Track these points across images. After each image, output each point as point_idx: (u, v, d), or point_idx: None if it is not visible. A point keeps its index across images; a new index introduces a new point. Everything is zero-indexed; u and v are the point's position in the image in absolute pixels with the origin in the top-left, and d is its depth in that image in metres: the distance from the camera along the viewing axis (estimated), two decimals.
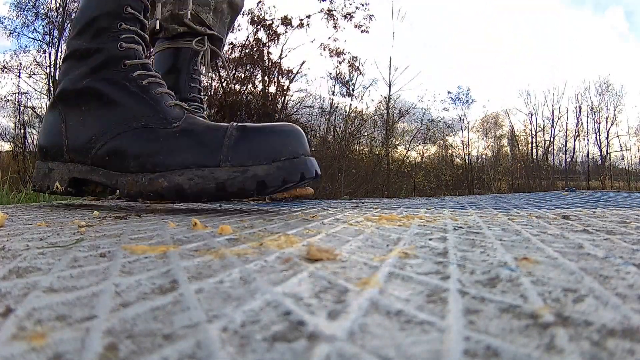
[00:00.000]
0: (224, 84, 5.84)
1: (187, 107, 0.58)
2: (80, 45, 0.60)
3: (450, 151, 8.35)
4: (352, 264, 0.21)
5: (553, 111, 7.95)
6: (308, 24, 5.22)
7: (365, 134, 6.71)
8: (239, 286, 0.17)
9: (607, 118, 7.81)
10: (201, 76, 0.96)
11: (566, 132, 7.95)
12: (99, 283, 0.18)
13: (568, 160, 8.01)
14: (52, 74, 6.00)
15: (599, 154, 7.87)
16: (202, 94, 0.98)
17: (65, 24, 5.95)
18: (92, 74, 0.59)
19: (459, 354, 0.11)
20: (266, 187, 0.51)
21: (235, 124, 0.54)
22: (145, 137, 0.55)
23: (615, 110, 7.78)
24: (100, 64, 0.58)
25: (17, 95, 6.06)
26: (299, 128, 0.56)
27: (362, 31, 5.77)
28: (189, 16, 0.82)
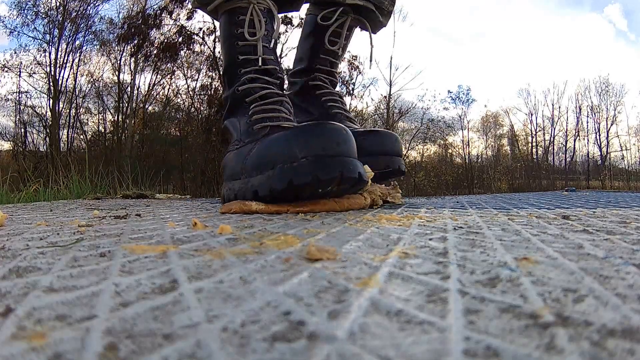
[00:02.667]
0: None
1: (272, 124, 0.61)
2: (224, 95, 0.74)
3: (450, 150, 8.36)
4: (352, 264, 0.21)
5: (553, 111, 7.95)
6: None
7: None
8: (239, 286, 0.17)
9: (607, 118, 7.81)
10: (340, 49, 0.89)
11: (566, 132, 7.95)
12: (98, 283, 0.18)
13: (568, 160, 8.02)
14: (52, 73, 6.00)
15: (599, 153, 7.87)
16: (335, 67, 0.92)
17: (66, 23, 5.95)
18: (227, 118, 0.71)
19: (459, 354, 0.11)
20: (258, 195, 0.53)
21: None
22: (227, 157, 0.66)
23: (615, 110, 7.78)
24: (229, 109, 0.70)
25: (17, 94, 6.06)
26: (313, 126, 0.54)
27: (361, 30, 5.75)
28: None
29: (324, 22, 0.85)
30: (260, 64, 0.67)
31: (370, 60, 0.92)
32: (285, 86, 0.83)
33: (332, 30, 0.85)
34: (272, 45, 0.71)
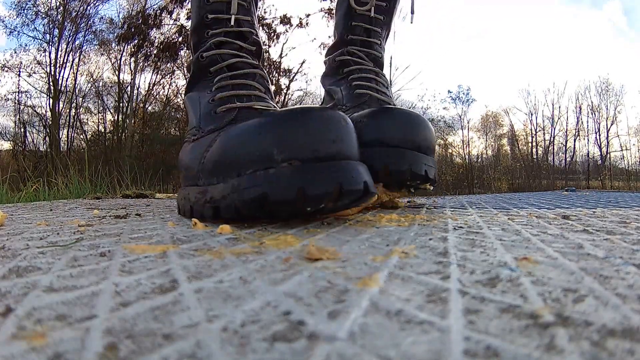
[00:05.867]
0: None
1: (240, 105, 0.46)
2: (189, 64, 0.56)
3: (450, 150, 8.36)
4: (352, 264, 0.21)
5: (553, 110, 7.95)
6: (307, 23, 5.23)
7: None
8: (239, 286, 0.17)
9: (607, 118, 7.81)
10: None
11: (566, 132, 7.96)
12: (98, 282, 0.18)
13: (568, 159, 8.02)
14: (52, 73, 6.00)
15: (599, 153, 7.88)
16: (376, 36, 0.70)
17: (66, 23, 5.95)
18: (188, 91, 0.54)
19: (459, 354, 0.11)
20: (220, 214, 0.38)
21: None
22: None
23: (615, 110, 7.79)
24: (191, 80, 0.54)
25: (17, 94, 6.06)
26: (297, 113, 0.37)
27: None
28: None
29: None
30: (232, 23, 0.52)
31: (412, 14, 0.72)
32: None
33: None
34: (250, 6, 0.55)
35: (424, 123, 0.54)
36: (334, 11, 0.78)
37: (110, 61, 6.39)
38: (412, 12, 0.72)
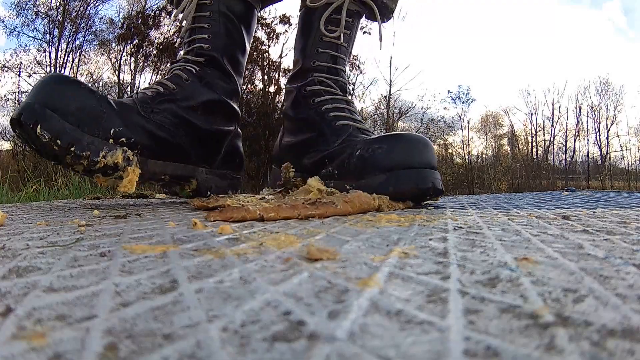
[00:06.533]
0: None
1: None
2: None
3: (450, 150, 8.36)
4: (352, 264, 0.21)
5: (553, 110, 7.95)
6: None
7: None
8: (239, 286, 0.17)
9: (607, 118, 7.81)
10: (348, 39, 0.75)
11: (566, 132, 7.96)
12: (98, 282, 0.18)
13: (568, 160, 8.01)
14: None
15: (599, 153, 7.87)
16: (341, 63, 0.74)
17: (66, 23, 5.95)
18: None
19: (459, 354, 0.11)
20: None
21: None
22: None
23: (615, 110, 7.78)
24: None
25: (17, 94, 6.05)
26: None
27: (364, 32, 5.76)
28: None
29: (315, 4, 0.72)
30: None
31: (380, 48, 0.78)
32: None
33: (327, 16, 0.71)
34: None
35: (430, 145, 0.63)
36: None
37: (110, 61, 6.39)
38: (380, 40, 0.75)
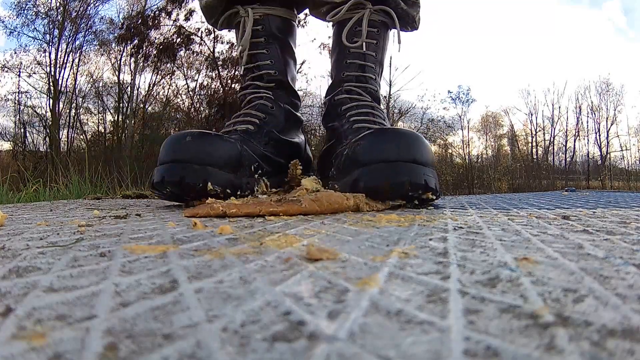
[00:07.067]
0: (223, 84, 5.84)
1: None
2: None
3: (450, 150, 8.36)
4: (352, 264, 0.21)
5: (553, 111, 7.95)
6: (307, 23, 5.21)
7: None
8: (239, 286, 0.17)
9: (607, 118, 7.81)
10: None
11: (566, 132, 7.95)
12: (98, 283, 0.18)
13: (568, 160, 8.01)
14: (52, 73, 6.00)
15: (599, 153, 7.87)
16: (371, 71, 0.77)
17: (66, 23, 5.96)
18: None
19: (459, 354, 0.11)
20: None
21: None
22: None
23: (615, 110, 7.78)
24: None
25: (17, 94, 6.06)
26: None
27: None
28: None
29: (334, 18, 0.76)
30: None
31: (399, 50, 0.78)
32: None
33: (348, 29, 0.74)
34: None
35: (418, 139, 0.59)
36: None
37: (110, 61, 6.39)
38: (399, 42, 0.77)
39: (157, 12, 5.78)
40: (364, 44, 0.74)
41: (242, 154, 0.65)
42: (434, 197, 0.58)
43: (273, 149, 0.73)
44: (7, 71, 5.99)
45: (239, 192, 0.62)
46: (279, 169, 0.73)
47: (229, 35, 5.66)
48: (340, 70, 0.77)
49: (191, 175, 0.58)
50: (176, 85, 6.36)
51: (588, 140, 7.90)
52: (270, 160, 0.71)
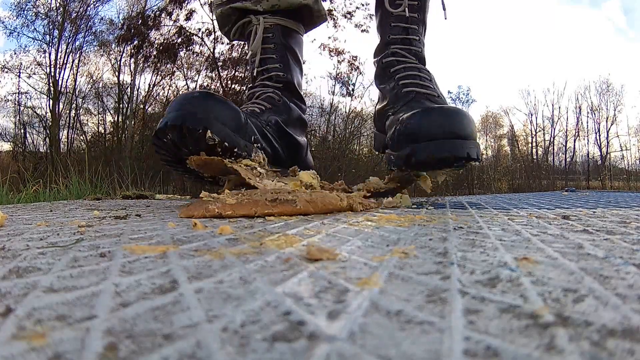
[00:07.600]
0: (223, 84, 5.84)
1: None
2: None
3: None
4: (352, 264, 0.21)
5: (553, 111, 7.95)
6: None
7: (365, 133, 6.71)
8: (239, 286, 0.17)
9: (607, 118, 7.81)
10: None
11: (566, 132, 7.95)
12: (98, 283, 0.18)
13: (568, 160, 8.01)
14: (52, 74, 6.01)
15: (599, 153, 7.87)
16: (415, 33, 0.80)
17: (66, 24, 5.96)
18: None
19: (459, 354, 0.11)
20: None
21: None
22: None
23: (615, 110, 7.78)
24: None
25: (17, 95, 6.06)
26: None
27: (362, 30, 5.77)
28: None
29: None
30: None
31: (445, 17, 0.83)
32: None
33: None
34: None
35: (459, 115, 0.64)
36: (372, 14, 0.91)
37: (110, 62, 6.39)
38: (444, 9, 0.82)
39: (157, 13, 5.79)
40: (406, 8, 0.77)
41: (246, 122, 0.66)
42: (478, 163, 0.68)
43: (274, 132, 0.76)
44: (7, 72, 5.99)
45: (236, 150, 0.62)
46: (276, 156, 0.74)
47: None
48: (385, 33, 0.80)
49: (193, 120, 0.58)
50: (176, 86, 6.36)
51: (588, 140, 7.90)
52: (270, 141, 0.73)
